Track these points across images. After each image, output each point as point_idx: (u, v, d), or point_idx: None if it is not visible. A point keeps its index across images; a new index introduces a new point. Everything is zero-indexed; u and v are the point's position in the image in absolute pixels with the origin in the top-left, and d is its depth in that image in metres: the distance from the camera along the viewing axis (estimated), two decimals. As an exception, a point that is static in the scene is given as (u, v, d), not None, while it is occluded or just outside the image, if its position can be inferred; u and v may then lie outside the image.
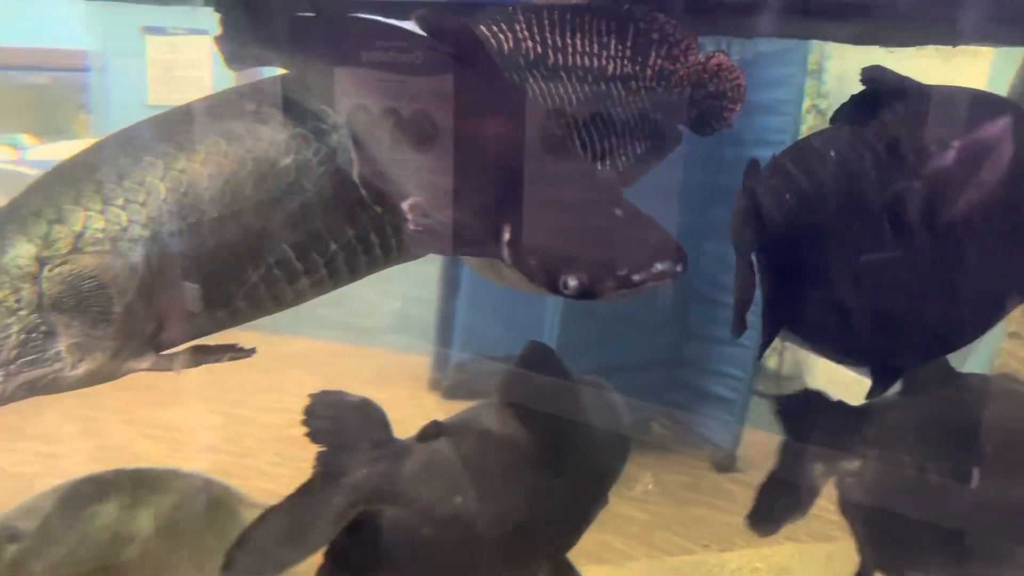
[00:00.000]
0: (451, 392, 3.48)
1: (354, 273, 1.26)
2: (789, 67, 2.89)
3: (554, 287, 0.95)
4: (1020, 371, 2.32)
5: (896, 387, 1.32)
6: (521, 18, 1.29)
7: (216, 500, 1.76)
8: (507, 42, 1.28)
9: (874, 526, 1.34)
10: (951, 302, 1.26)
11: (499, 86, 1.10)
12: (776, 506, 1.36)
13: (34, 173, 1.26)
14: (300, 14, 1.21)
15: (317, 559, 1.12)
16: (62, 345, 1.13)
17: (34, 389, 1.15)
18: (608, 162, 1.30)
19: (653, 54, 1.33)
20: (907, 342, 1.29)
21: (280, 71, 1.25)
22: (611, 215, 0.98)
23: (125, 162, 1.18)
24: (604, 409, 1.40)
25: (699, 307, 3.14)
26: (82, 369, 1.15)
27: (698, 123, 1.37)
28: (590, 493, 1.32)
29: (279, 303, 1.24)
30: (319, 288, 1.25)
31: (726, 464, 3.03)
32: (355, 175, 1.09)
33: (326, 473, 1.10)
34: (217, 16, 1.25)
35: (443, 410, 2.55)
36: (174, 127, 1.22)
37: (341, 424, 1.12)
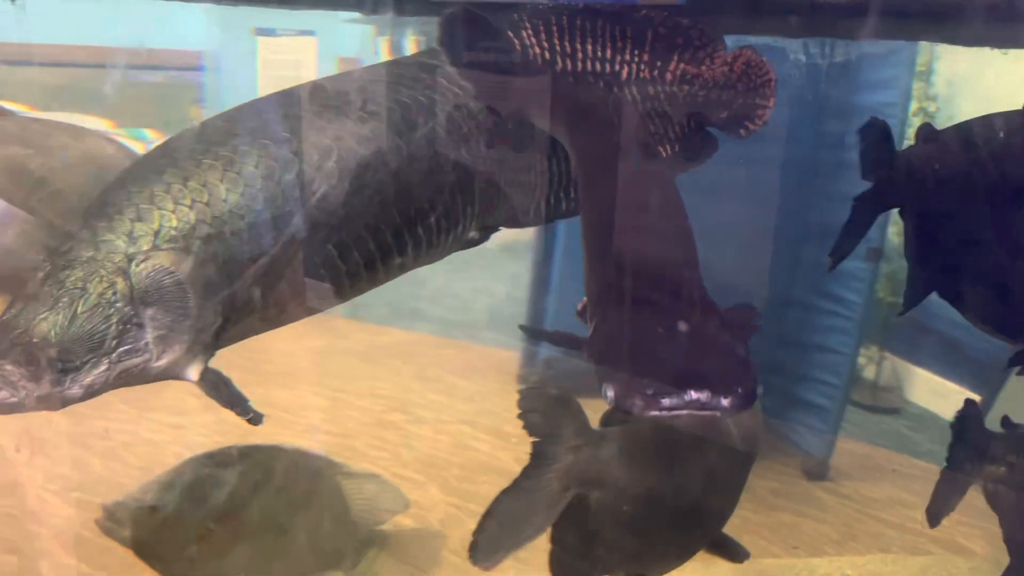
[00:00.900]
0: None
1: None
2: (895, 69, 2.80)
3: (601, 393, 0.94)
4: None
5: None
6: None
7: (317, 471, 1.93)
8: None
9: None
10: None
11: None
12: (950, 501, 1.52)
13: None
14: None
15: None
16: (149, 336, 1.17)
17: (127, 379, 1.19)
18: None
19: (676, 58, 1.28)
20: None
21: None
22: (680, 335, 0.93)
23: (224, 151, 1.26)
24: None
25: (795, 312, 3.09)
26: (164, 361, 1.19)
27: (731, 125, 1.33)
28: (741, 476, 1.42)
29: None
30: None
31: (818, 472, 2.96)
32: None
33: (540, 461, 1.21)
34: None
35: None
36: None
37: (548, 417, 1.21)
